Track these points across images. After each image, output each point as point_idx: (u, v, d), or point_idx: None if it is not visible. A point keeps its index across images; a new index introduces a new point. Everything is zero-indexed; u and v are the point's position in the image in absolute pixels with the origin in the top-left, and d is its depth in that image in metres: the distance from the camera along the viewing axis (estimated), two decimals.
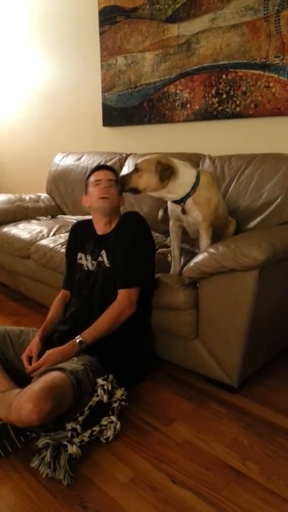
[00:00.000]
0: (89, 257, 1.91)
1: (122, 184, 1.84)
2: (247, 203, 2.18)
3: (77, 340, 1.70)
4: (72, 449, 1.42)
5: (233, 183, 2.27)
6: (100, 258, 1.86)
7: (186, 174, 1.85)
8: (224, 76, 2.48)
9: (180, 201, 1.88)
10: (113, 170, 1.96)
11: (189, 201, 1.86)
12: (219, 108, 2.55)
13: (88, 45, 3.35)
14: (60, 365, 1.59)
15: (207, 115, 2.63)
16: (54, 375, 1.51)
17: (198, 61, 2.60)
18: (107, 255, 1.84)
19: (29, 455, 1.47)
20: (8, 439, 1.46)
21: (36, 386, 1.43)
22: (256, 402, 1.79)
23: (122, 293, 1.77)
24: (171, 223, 2.06)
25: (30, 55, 3.98)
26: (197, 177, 1.86)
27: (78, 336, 1.71)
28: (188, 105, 2.72)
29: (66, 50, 3.59)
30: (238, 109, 2.46)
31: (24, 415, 1.37)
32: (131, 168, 2.77)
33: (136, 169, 1.83)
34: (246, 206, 2.18)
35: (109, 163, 3.06)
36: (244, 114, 2.44)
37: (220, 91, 2.52)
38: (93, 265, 1.89)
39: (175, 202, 1.91)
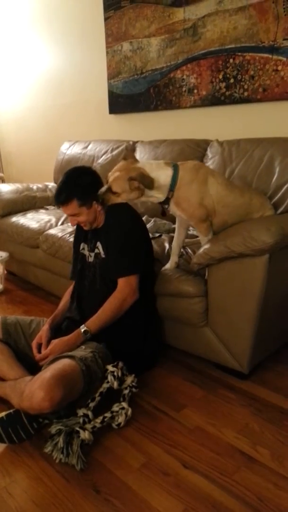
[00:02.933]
0: (88, 248, 1.93)
1: (103, 203, 1.76)
2: (256, 187, 2.14)
3: (82, 330, 1.72)
4: (85, 434, 1.44)
5: (240, 165, 2.24)
6: (96, 250, 1.88)
7: (160, 177, 1.75)
8: (231, 60, 2.44)
9: (163, 203, 1.83)
10: (69, 198, 1.75)
11: (171, 202, 1.81)
12: (227, 93, 2.52)
13: (93, 32, 3.31)
14: (69, 353, 1.61)
15: (214, 100, 2.60)
16: (64, 362, 1.53)
17: (204, 45, 2.56)
18: (102, 247, 1.85)
19: (42, 441, 1.50)
20: (21, 426, 1.48)
21: (47, 373, 1.45)
22: (266, 388, 1.80)
23: (121, 281, 1.77)
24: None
25: (35, 44, 3.95)
26: (174, 177, 1.76)
27: (83, 325, 1.74)
28: (195, 91, 2.69)
29: (71, 37, 3.55)
30: (246, 93, 2.42)
31: (36, 403, 1.39)
32: (138, 157, 2.78)
33: (112, 191, 1.73)
34: (255, 189, 2.14)
35: (115, 152, 3.05)
36: (252, 98, 2.40)
37: (228, 75, 2.48)
38: (91, 256, 1.91)
39: (160, 203, 1.86)
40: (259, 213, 1.89)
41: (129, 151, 1.81)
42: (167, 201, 1.82)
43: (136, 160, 1.82)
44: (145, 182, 1.71)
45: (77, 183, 1.77)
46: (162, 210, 1.91)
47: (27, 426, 1.49)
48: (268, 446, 1.48)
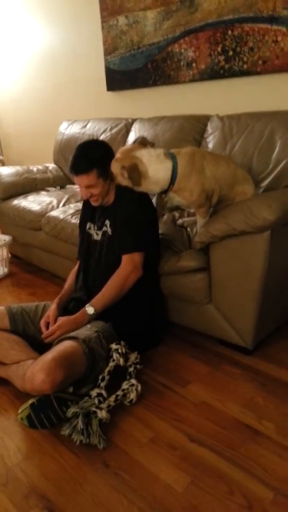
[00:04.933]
0: (96, 227, 1.93)
1: (112, 178, 1.76)
2: (257, 161, 2.13)
3: (87, 308, 1.75)
4: (102, 413, 1.47)
5: (241, 140, 2.22)
6: (104, 228, 1.88)
7: (159, 171, 1.72)
8: (229, 32, 2.39)
9: (163, 193, 1.84)
10: (89, 167, 1.73)
11: (170, 192, 1.81)
12: (226, 66, 2.47)
13: (87, 6, 3.23)
14: (73, 334, 1.64)
15: (213, 74, 2.55)
16: (66, 344, 1.57)
17: (202, 17, 2.50)
18: (110, 224, 1.86)
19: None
20: (52, 410, 1.48)
21: (48, 356, 1.50)
22: (270, 363, 1.82)
23: (125, 258, 1.79)
24: None
25: (28, 22, 3.85)
26: (174, 169, 1.73)
27: (88, 304, 1.76)
28: (194, 65, 2.63)
29: (65, 13, 3.47)
30: (245, 66, 2.37)
31: (37, 385, 1.44)
32: (137, 134, 2.75)
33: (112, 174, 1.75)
34: (257, 164, 2.13)
35: (114, 130, 3.02)
36: (252, 71, 2.36)
37: (226, 48, 2.43)
38: (98, 234, 1.91)
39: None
40: (243, 186, 1.88)
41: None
42: (165, 191, 1.81)
43: (141, 147, 1.77)
44: (133, 176, 1.68)
45: (96, 153, 1.77)
46: (157, 199, 1.92)
47: (57, 410, 1.49)
48: (272, 419, 1.51)
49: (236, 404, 1.59)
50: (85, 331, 1.67)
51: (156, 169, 1.72)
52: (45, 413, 1.47)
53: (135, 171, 1.68)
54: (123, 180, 1.73)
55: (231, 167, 1.88)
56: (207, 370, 1.81)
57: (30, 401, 1.47)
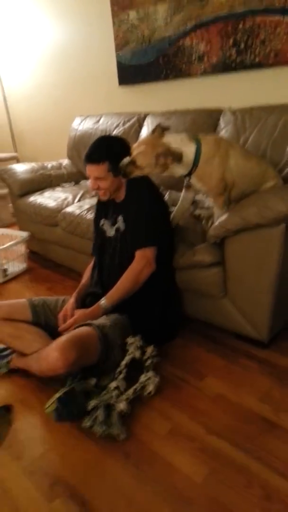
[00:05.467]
0: (109, 223, 1.97)
1: (124, 175, 1.77)
2: (271, 154, 2.13)
3: (101, 302, 1.81)
4: (121, 405, 1.53)
5: (254, 134, 2.22)
6: (117, 224, 1.92)
7: (185, 153, 1.76)
8: (241, 25, 2.37)
9: (185, 176, 1.85)
10: (102, 159, 1.78)
11: (193, 176, 1.83)
12: (238, 59, 2.46)
13: (97, 1, 3.23)
14: (89, 321, 1.71)
15: (225, 67, 2.54)
16: (81, 328, 1.66)
17: (213, 9, 2.48)
18: (123, 220, 1.89)
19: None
20: (77, 403, 1.55)
21: (63, 337, 1.59)
22: (286, 356, 1.85)
23: (138, 253, 1.83)
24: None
25: (39, 18, 3.86)
26: (197, 152, 1.77)
27: (103, 298, 1.82)
28: (205, 58, 2.63)
29: (76, 8, 3.47)
30: (257, 59, 2.36)
31: (51, 362, 1.53)
32: (150, 129, 2.76)
33: (135, 164, 1.74)
34: (271, 157, 2.13)
35: (127, 125, 3.03)
36: (264, 64, 2.34)
37: (238, 41, 2.41)
38: (111, 231, 1.96)
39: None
40: (273, 182, 1.89)
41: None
42: (189, 174, 1.83)
43: (162, 135, 1.81)
44: (175, 157, 1.73)
45: (112, 148, 1.81)
46: (186, 184, 1.94)
47: (81, 402, 1.55)
48: None
49: (253, 397, 1.63)
50: (100, 320, 1.74)
51: (183, 151, 1.76)
52: (71, 406, 1.53)
53: (172, 152, 1.73)
54: (154, 168, 1.75)
55: (262, 166, 1.89)
56: (223, 364, 1.84)
57: (56, 395, 1.54)
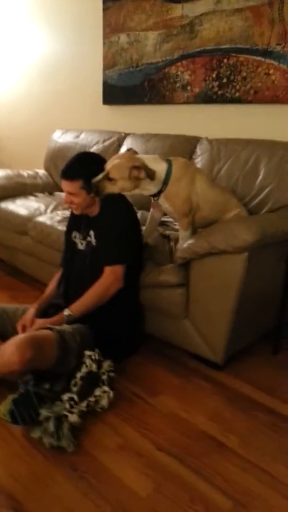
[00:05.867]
0: (81, 236, 1.99)
1: (97, 191, 1.80)
2: (242, 186, 2.22)
3: (65, 313, 1.81)
4: (73, 417, 1.51)
5: (227, 164, 2.31)
6: (88, 238, 1.94)
7: (156, 171, 1.84)
8: (225, 60, 2.50)
9: (154, 196, 1.93)
10: (76, 176, 1.81)
11: (161, 195, 1.91)
12: (219, 92, 2.57)
13: (91, 21, 3.32)
14: (49, 325, 1.72)
15: (207, 98, 2.65)
16: (41, 330, 1.68)
17: (200, 43, 2.61)
18: (95, 235, 1.91)
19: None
20: (32, 406, 1.51)
21: (22, 335, 1.62)
22: (239, 379, 1.89)
23: (107, 269, 1.85)
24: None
25: (31, 29, 3.92)
26: (168, 172, 1.86)
27: (66, 309, 1.83)
28: (189, 87, 2.74)
29: (68, 24, 3.55)
30: (237, 94, 2.48)
31: (6, 357, 1.52)
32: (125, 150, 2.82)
33: (109, 177, 1.79)
34: (241, 189, 2.22)
35: (107, 143, 3.09)
36: (243, 99, 2.47)
37: (221, 75, 2.54)
38: (82, 244, 1.97)
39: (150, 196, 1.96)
40: (236, 211, 1.98)
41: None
42: (157, 194, 1.90)
43: (136, 153, 1.91)
44: (149, 172, 1.79)
45: (89, 167, 1.84)
46: (153, 202, 2.00)
47: (36, 406, 1.52)
48: (237, 433, 1.57)
49: (203, 416, 1.65)
50: (62, 326, 1.74)
51: (154, 168, 1.83)
52: (27, 408, 1.51)
53: (147, 167, 1.80)
54: (126, 182, 1.80)
55: (225, 195, 2.01)
56: (178, 382, 1.86)
57: (10, 396, 1.51)
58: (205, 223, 1.94)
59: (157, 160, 1.89)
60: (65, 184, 1.85)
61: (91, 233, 1.93)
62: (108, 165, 1.81)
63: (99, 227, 1.90)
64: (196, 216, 1.94)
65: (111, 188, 1.81)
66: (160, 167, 1.86)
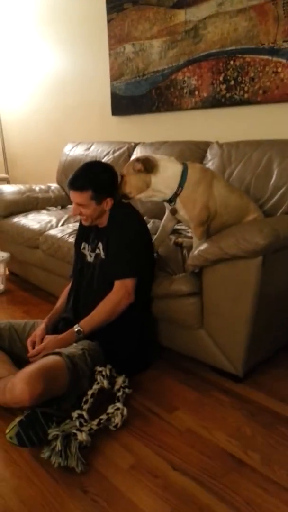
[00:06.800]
0: (90, 248, 1.92)
1: (121, 197, 1.83)
2: (254, 188, 2.14)
3: (76, 329, 1.74)
4: (82, 436, 1.43)
5: (239, 167, 2.24)
6: (97, 250, 1.88)
7: (169, 169, 1.80)
8: (232, 62, 2.44)
9: (170, 201, 1.85)
10: (85, 186, 1.75)
11: (177, 200, 1.83)
12: (227, 95, 2.51)
13: (96, 34, 3.33)
14: (58, 350, 1.63)
15: (215, 102, 2.59)
16: (49, 358, 1.56)
17: (205, 47, 2.56)
18: (103, 247, 1.85)
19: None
20: (40, 426, 1.44)
21: (30, 367, 1.49)
22: (260, 392, 1.78)
23: (117, 284, 1.77)
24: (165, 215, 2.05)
25: (39, 46, 3.97)
26: (184, 174, 1.80)
27: (77, 325, 1.75)
28: (196, 93, 2.68)
29: (75, 39, 3.57)
30: (246, 95, 2.41)
31: (16, 395, 1.43)
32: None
33: (121, 177, 1.84)
34: (254, 191, 2.14)
35: (117, 153, 3.06)
36: (252, 100, 2.39)
37: (228, 77, 2.48)
38: (91, 256, 1.91)
39: (166, 201, 1.90)
40: (254, 215, 1.89)
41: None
42: (173, 199, 1.83)
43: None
44: (148, 165, 1.77)
45: (97, 176, 1.78)
46: (171, 209, 1.94)
47: (44, 426, 1.45)
48: (259, 450, 1.47)
49: (223, 432, 1.55)
50: (70, 348, 1.65)
51: (166, 166, 1.81)
52: (34, 430, 1.43)
53: (149, 160, 1.77)
54: (131, 179, 1.79)
55: (243, 200, 1.92)
56: (195, 397, 1.77)
57: (17, 419, 1.44)
58: (222, 228, 1.85)
59: (172, 160, 1.85)
60: (73, 195, 1.78)
61: (100, 245, 1.87)
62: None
63: (107, 239, 1.84)
64: (215, 221, 1.87)
65: (123, 189, 1.81)
66: (175, 167, 1.82)
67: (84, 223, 1.88)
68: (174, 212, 1.94)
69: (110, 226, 1.84)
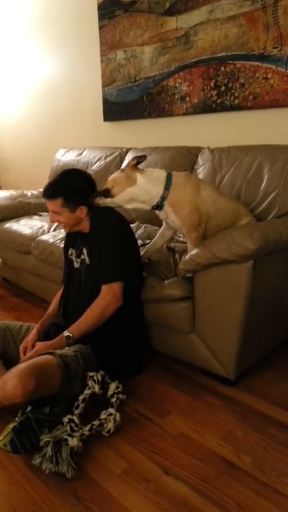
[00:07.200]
0: (75, 254, 1.93)
1: (91, 206, 1.82)
2: (245, 193, 2.15)
3: (65, 335, 1.74)
4: (73, 441, 1.42)
5: (230, 172, 2.25)
6: (82, 256, 1.88)
7: (155, 172, 1.83)
8: (222, 68, 2.46)
9: (158, 207, 1.85)
10: (55, 194, 1.77)
11: (165, 204, 1.83)
12: (218, 101, 2.53)
13: (88, 40, 3.35)
14: (50, 350, 1.63)
15: (206, 107, 2.61)
16: (42, 356, 1.57)
17: (196, 53, 2.58)
18: (87, 253, 1.85)
19: None
20: (33, 432, 1.44)
21: (23, 364, 1.50)
22: (251, 395, 1.79)
23: (105, 288, 1.77)
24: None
25: (31, 52, 3.98)
26: (168, 177, 1.81)
27: (66, 331, 1.75)
28: (187, 98, 2.71)
29: (67, 45, 3.59)
30: (236, 101, 2.44)
31: (8, 391, 1.42)
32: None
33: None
34: (245, 196, 2.15)
35: (108, 159, 3.07)
36: (242, 106, 2.42)
37: (219, 83, 2.50)
38: (77, 262, 1.91)
39: (155, 209, 1.88)
40: (247, 219, 1.90)
41: (134, 157, 1.90)
42: (162, 203, 1.83)
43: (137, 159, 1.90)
44: (141, 159, 1.81)
45: (69, 184, 1.79)
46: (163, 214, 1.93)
47: (37, 431, 1.44)
48: (250, 453, 1.47)
49: (215, 436, 1.55)
50: (63, 350, 1.66)
51: (152, 170, 1.84)
52: (27, 436, 1.42)
53: (141, 156, 1.81)
54: (114, 178, 1.80)
55: (235, 203, 1.93)
56: (187, 401, 1.77)
57: (10, 425, 1.43)
58: (218, 231, 1.86)
59: (156, 168, 1.89)
60: (46, 203, 1.82)
61: (84, 250, 1.87)
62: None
63: (91, 245, 1.83)
64: (209, 224, 1.86)
65: (107, 183, 1.82)
66: (160, 171, 1.84)
67: (64, 230, 1.89)
68: (165, 217, 1.94)
69: (93, 232, 1.83)
